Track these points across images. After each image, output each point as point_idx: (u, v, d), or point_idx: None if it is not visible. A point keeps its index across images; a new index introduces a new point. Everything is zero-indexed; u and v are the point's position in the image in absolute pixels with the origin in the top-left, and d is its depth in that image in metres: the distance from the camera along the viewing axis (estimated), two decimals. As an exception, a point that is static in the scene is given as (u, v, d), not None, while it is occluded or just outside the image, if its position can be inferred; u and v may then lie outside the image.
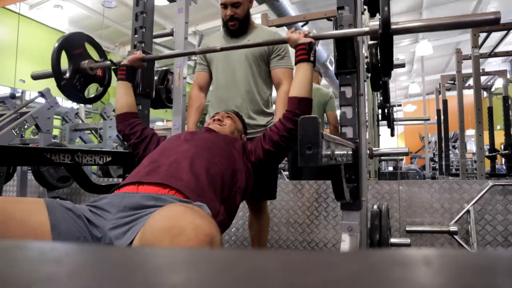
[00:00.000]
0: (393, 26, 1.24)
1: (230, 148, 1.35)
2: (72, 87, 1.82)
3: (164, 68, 2.33)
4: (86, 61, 1.86)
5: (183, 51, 1.82)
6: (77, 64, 1.84)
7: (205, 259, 0.21)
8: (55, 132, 5.67)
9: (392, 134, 4.18)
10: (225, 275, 0.18)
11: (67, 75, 1.80)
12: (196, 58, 2.11)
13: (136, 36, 2.00)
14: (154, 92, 2.02)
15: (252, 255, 0.22)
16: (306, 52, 1.41)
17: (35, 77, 2.15)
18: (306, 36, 1.43)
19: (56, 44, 1.77)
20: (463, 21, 1.26)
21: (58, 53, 1.76)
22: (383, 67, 1.37)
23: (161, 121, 10.20)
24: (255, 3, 5.37)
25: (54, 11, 6.48)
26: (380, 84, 2.20)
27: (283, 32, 1.64)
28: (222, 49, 1.62)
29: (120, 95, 1.65)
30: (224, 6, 1.80)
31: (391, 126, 4.07)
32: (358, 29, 1.38)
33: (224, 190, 1.22)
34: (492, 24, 1.21)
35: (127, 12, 7.11)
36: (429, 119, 6.68)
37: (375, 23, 1.25)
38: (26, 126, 2.75)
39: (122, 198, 1.02)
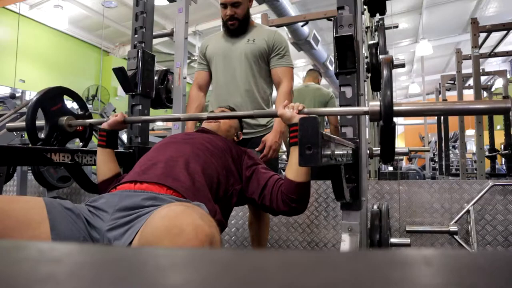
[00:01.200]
0: (395, 108, 1.10)
1: (225, 150, 1.35)
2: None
3: (164, 68, 2.33)
4: (65, 118, 1.72)
5: (171, 116, 1.68)
6: (54, 121, 1.70)
7: (205, 259, 0.21)
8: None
9: None
10: (225, 275, 0.18)
11: (43, 135, 1.67)
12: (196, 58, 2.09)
13: (136, 36, 2.00)
14: (154, 92, 2.02)
15: (252, 255, 0.22)
16: None
17: (10, 129, 2.05)
18: (300, 112, 1.27)
19: (31, 103, 1.64)
20: (471, 108, 1.17)
21: (34, 112, 1.63)
22: (382, 154, 1.22)
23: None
24: (255, 3, 5.37)
25: (54, 11, 6.48)
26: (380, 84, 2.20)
27: (282, 33, 1.63)
28: (209, 118, 1.51)
29: (100, 163, 1.47)
30: (224, 6, 1.80)
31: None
32: (357, 108, 1.30)
33: (220, 190, 1.22)
34: (501, 113, 1.11)
35: (127, 12, 7.11)
36: (428, 151, 6.73)
37: (375, 103, 1.13)
38: (26, 126, 2.74)
39: (119, 198, 1.02)
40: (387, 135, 1.14)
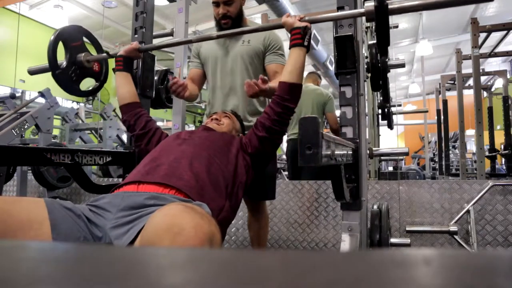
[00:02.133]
0: (389, 6, 1.22)
1: (228, 145, 1.36)
2: (68, 78, 1.82)
3: (164, 68, 2.33)
4: (83, 54, 1.86)
5: (182, 39, 1.78)
6: (73, 56, 1.84)
7: (205, 259, 0.21)
8: (55, 132, 5.67)
9: (391, 127, 4.15)
10: (225, 275, 0.18)
11: (63, 65, 1.81)
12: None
13: (136, 36, 2.00)
14: (154, 92, 2.02)
15: (252, 255, 0.22)
16: (300, 37, 1.37)
17: (32, 72, 2.16)
18: (301, 20, 1.40)
19: (53, 36, 1.77)
20: None
21: (55, 44, 1.76)
22: (379, 45, 1.35)
23: (161, 121, 10.20)
24: (254, 3, 5.39)
25: (54, 11, 6.48)
26: (380, 84, 2.21)
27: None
28: (219, 36, 1.61)
29: (120, 84, 1.64)
30: (216, 4, 1.76)
31: (389, 120, 4.05)
32: (353, 10, 1.38)
33: (228, 187, 1.24)
34: None
35: (127, 12, 7.10)
36: (427, 111, 6.75)
37: (370, 3, 1.23)
38: (26, 126, 2.74)
39: (122, 198, 1.02)
40: (382, 32, 1.25)
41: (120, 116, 1.68)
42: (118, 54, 1.69)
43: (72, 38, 1.83)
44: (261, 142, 1.38)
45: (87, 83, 2.06)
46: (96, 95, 6.62)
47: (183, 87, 1.63)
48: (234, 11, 1.76)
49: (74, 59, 1.84)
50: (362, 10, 1.29)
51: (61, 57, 1.85)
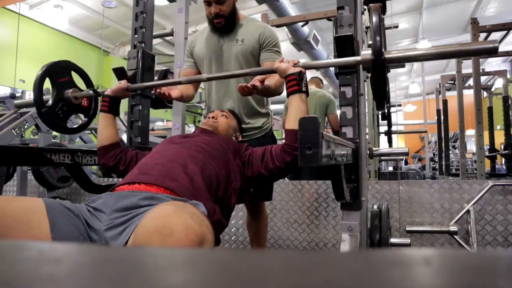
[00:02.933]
0: (386, 55, 1.15)
1: (225, 149, 1.35)
2: (54, 115, 1.74)
3: (164, 68, 2.33)
4: (71, 90, 1.78)
5: (171, 80, 1.64)
6: (61, 93, 1.76)
7: (204, 259, 0.21)
8: (55, 132, 5.67)
9: (390, 143, 4.18)
10: (225, 275, 0.18)
11: (49, 103, 1.73)
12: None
13: (136, 36, 2.00)
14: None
15: (251, 255, 0.22)
16: (297, 83, 1.32)
17: (19, 106, 2.12)
18: (295, 65, 1.34)
19: (40, 71, 1.70)
20: (459, 50, 1.19)
21: (41, 80, 1.68)
22: (376, 98, 1.29)
23: (161, 121, 10.20)
24: (255, 3, 5.39)
25: (54, 11, 6.48)
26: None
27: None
28: (209, 79, 1.55)
29: (102, 127, 1.54)
30: (208, 3, 1.69)
31: (389, 134, 4.08)
32: (350, 58, 1.32)
33: (219, 190, 1.22)
34: (490, 53, 1.14)
35: (127, 12, 7.10)
36: (426, 132, 6.72)
37: (367, 52, 1.18)
38: (26, 126, 2.75)
39: (116, 198, 1.02)
40: (379, 82, 1.20)
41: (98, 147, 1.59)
42: (105, 93, 1.61)
43: (59, 73, 1.76)
44: (259, 177, 1.35)
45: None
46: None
47: (167, 89, 1.58)
48: (226, 9, 1.69)
49: (61, 96, 1.76)
50: (358, 58, 1.24)
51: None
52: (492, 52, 1.11)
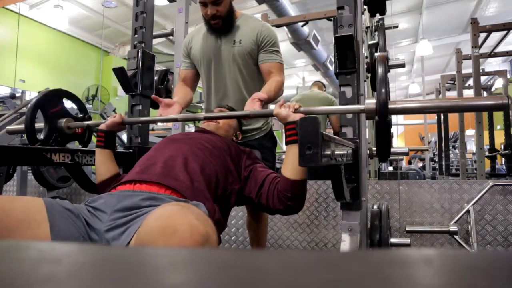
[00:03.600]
0: (390, 106, 1.11)
1: (225, 149, 1.34)
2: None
3: (164, 68, 2.33)
4: (64, 120, 1.73)
5: (167, 117, 1.57)
6: (53, 123, 1.71)
7: (205, 259, 0.21)
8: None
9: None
10: (225, 275, 0.18)
11: (42, 136, 1.68)
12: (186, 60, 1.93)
13: (136, 36, 2.00)
14: (154, 92, 2.02)
15: (251, 255, 0.22)
16: (296, 133, 1.23)
17: (11, 132, 2.08)
18: (296, 111, 1.27)
19: (30, 105, 1.65)
20: (465, 105, 1.16)
21: (33, 114, 1.64)
22: (379, 151, 1.25)
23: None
24: (255, 3, 5.39)
25: (54, 11, 6.48)
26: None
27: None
28: (206, 118, 1.51)
29: (99, 163, 1.48)
30: (204, 4, 1.64)
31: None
32: (353, 106, 1.30)
33: (219, 189, 1.22)
34: (498, 109, 1.12)
35: (127, 12, 7.10)
36: (427, 150, 6.63)
37: (371, 101, 1.14)
38: (26, 126, 2.74)
39: (118, 198, 1.02)
40: (382, 132, 1.16)
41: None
42: (99, 128, 1.54)
43: (50, 104, 1.70)
44: (249, 201, 1.34)
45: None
46: (96, 95, 6.62)
47: (165, 109, 1.55)
48: (223, 10, 1.64)
49: (54, 126, 1.71)
50: (362, 107, 1.20)
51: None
52: (501, 108, 1.09)
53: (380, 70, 1.14)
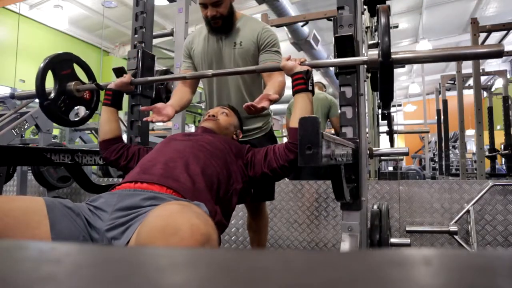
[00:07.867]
0: (393, 56, 1.15)
1: (226, 149, 1.34)
2: (56, 108, 1.73)
3: (164, 68, 2.33)
4: (73, 83, 1.77)
5: (176, 75, 1.62)
6: (63, 86, 1.75)
7: (205, 259, 0.21)
8: (55, 132, 5.67)
9: (392, 143, 4.18)
10: (225, 275, 0.18)
11: (52, 95, 1.72)
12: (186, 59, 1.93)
13: (136, 36, 2.00)
14: (154, 92, 2.02)
15: (252, 255, 0.22)
16: (304, 82, 1.32)
17: (18, 97, 2.11)
18: (302, 63, 1.34)
19: (42, 64, 1.69)
20: (464, 53, 1.21)
21: (44, 73, 1.67)
22: (382, 99, 1.29)
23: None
24: (255, 3, 5.39)
25: (54, 11, 6.48)
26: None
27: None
28: (214, 75, 1.54)
29: (104, 120, 1.53)
30: (204, 5, 1.64)
31: (391, 134, 4.07)
32: (356, 58, 1.33)
33: (220, 190, 1.22)
34: (496, 56, 1.17)
35: (127, 12, 7.11)
36: (428, 132, 6.73)
37: (374, 52, 1.18)
38: (26, 126, 2.74)
39: (119, 197, 1.02)
40: (386, 80, 1.19)
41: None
42: (108, 87, 1.59)
43: (62, 66, 1.75)
44: (262, 176, 1.34)
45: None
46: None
47: (158, 116, 1.52)
48: (224, 10, 1.64)
49: (63, 89, 1.75)
50: (365, 58, 1.24)
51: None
52: (497, 55, 1.15)
53: (383, 20, 1.17)
